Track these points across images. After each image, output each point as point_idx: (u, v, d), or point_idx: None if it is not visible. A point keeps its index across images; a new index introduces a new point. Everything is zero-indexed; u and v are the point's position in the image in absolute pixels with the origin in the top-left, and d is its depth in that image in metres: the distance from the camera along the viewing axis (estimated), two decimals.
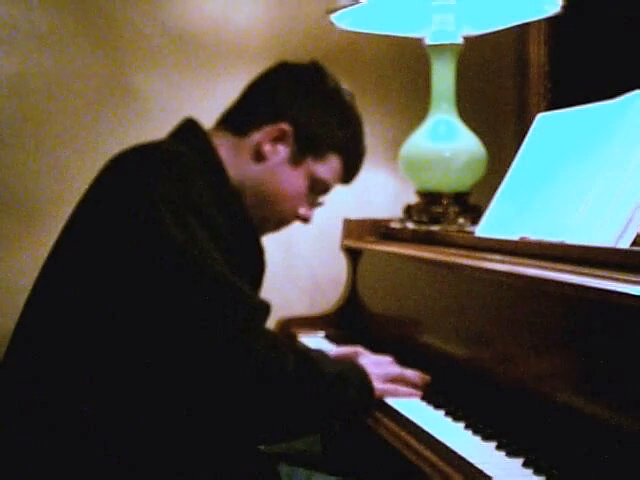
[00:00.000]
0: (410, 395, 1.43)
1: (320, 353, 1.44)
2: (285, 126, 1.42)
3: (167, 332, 1.17)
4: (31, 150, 2.17)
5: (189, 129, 1.42)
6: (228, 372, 1.17)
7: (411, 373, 1.47)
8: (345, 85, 1.54)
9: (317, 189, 1.49)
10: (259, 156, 1.42)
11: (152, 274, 1.18)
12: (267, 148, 1.42)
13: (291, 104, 1.44)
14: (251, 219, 1.41)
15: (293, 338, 1.98)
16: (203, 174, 1.30)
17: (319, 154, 1.46)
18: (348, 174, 1.53)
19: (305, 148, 1.44)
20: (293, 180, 1.45)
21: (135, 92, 2.26)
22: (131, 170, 1.27)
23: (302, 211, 1.49)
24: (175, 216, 1.19)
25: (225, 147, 1.41)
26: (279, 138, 1.42)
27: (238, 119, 1.46)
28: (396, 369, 1.47)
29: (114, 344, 1.19)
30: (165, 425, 1.20)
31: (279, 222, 1.51)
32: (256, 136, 1.42)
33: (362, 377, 1.37)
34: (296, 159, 1.44)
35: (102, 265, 1.21)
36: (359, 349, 1.58)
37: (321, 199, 1.54)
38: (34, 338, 1.25)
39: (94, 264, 1.21)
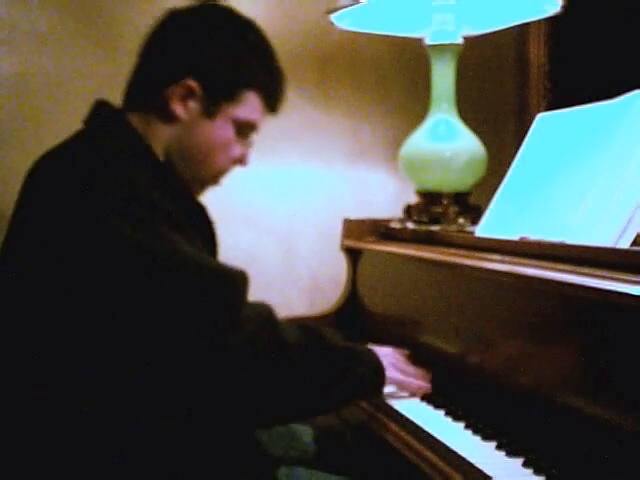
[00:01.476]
0: (416, 390, 1.44)
1: (332, 331, 1.43)
2: (189, 81, 1.35)
3: (150, 325, 1.15)
4: (31, 150, 2.16)
5: (105, 115, 1.38)
6: (216, 349, 1.15)
7: (420, 373, 1.50)
8: (238, 13, 1.45)
9: (244, 131, 1.43)
10: (172, 119, 1.36)
11: (118, 277, 1.14)
12: (178, 109, 1.36)
13: (188, 56, 1.37)
14: (188, 187, 1.38)
15: None
16: (132, 161, 1.26)
17: (232, 96, 1.39)
18: (271, 105, 1.45)
19: (216, 96, 1.38)
20: (215, 132, 1.39)
21: None
22: (64, 179, 1.22)
23: (237, 155, 1.44)
24: (120, 213, 1.15)
25: (141, 125, 1.36)
26: (187, 95, 1.36)
27: (141, 91, 1.40)
28: (411, 367, 1.50)
29: (88, 346, 1.16)
30: (162, 423, 1.19)
31: (216, 175, 1.45)
32: (162, 101, 1.36)
33: (374, 358, 1.37)
34: (210, 110, 1.38)
35: (59, 279, 1.17)
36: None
37: (252, 138, 1.48)
38: (9, 343, 1.23)
39: (50, 279, 1.17)
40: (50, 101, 2.18)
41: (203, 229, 1.38)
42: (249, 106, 1.41)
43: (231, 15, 1.44)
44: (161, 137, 1.37)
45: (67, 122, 2.20)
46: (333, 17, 1.99)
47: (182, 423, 1.19)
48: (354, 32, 2.13)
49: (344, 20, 2.01)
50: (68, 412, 1.17)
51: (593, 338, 1.14)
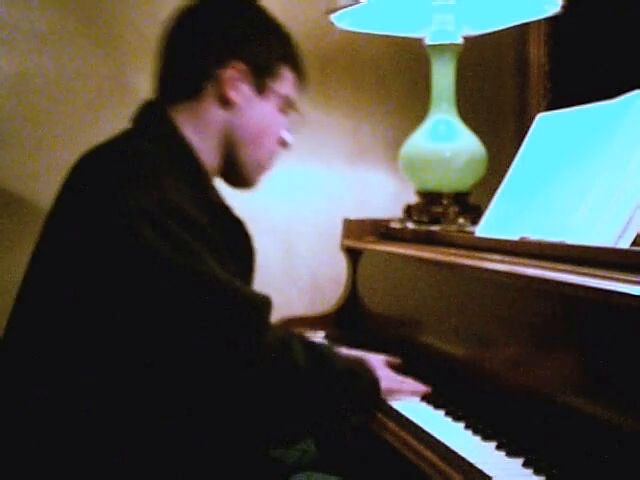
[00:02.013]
0: (415, 391, 1.44)
1: (330, 347, 1.44)
2: (237, 64, 1.36)
3: (172, 344, 1.16)
4: (31, 150, 2.17)
5: (151, 115, 1.37)
6: (239, 374, 1.17)
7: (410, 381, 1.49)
8: None
9: (287, 107, 1.45)
10: (227, 104, 1.37)
11: (145, 291, 1.15)
12: (232, 93, 1.36)
13: (229, 39, 1.38)
14: (231, 209, 1.37)
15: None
16: (176, 170, 1.26)
17: (274, 73, 1.41)
18: (301, 77, 1.48)
19: (261, 74, 1.40)
20: (267, 110, 1.41)
21: (135, 92, 2.25)
22: (105, 182, 1.22)
23: (285, 136, 1.46)
24: (155, 226, 1.15)
25: (189, 120, 1.36)
26: (237, 78, 1.37)
27: (185, 82, 1.39)
28: (399, 376, 1.50)
29: (113, 353, 1.17)
30: (171, 430, 1.19)
31: (271, 156, 1.46)
32: (214, 88, 1.37)
33: (370, 371, 1.38)
34: (260, 89, 1.40)
35: (90, 284, 1.17)
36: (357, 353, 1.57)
37: (292, 122, 1.49)
38: (25, 343, 1.24)
39: (80, 283, 1.18)
40: (50, 101, 2.18)
41: (239, 244, 1.37)
42: (287, 80, 1.44)
43: None
44: (214, 129, 1.37)
45: (67, 122, 2.22)
46: (333, 17, 1.99)
47: (187, 430, 1.20)
48: (354, 32, 2.13)
49: (344, 20, 2.01)
50: (76, 412, 1.18)
51: (593, 338, 1.14)
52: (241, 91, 1.38)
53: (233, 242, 1.33)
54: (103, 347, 1.17)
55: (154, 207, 1.17)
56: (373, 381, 1.38)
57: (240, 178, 1.44)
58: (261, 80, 1.40)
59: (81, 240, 1.19)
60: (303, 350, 1.25)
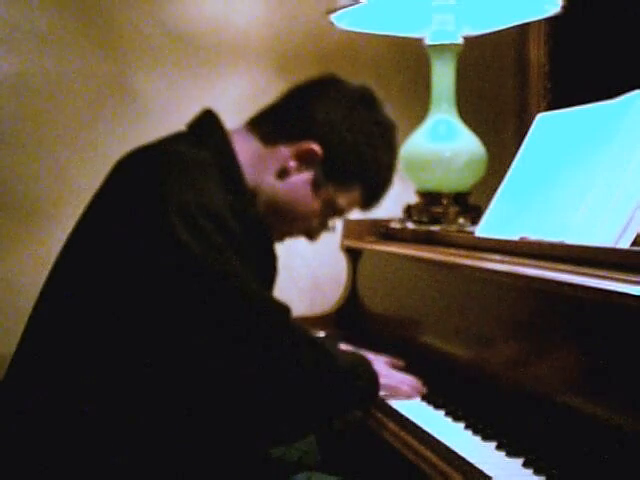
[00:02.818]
0: (411, 392, 1.45)
1: (332, 344, 1.45)
2: (316, 147, 1.35)
3: (192, 341, 1.16)
4: (31, 150, 2.17)
5: (208, 126, 1.37)
6: (248, 377, 1.17)
7: (410, 379, 1.50)
8: (389, 115, 1.45)
9: (331, 212, 1.44)
10: (282, 171, 1.36)
11: (172, 285, 1.15)
12: (292, 165, 1.36)
13: (327, 124, 1.37)
14: (266, 226, 1.37)
15: None
16: (219, 178, 1.26)
17: (343, 184, 1.40)
18: (367, 205, 1.47)
19: (330, 175, 1.38)
20: (310, 202, 1.39)
21: (135, 92, 2.26)
22: (146, 178, 1.23)
23: (312, 228, 1.46)
24: (190, 225, 1.16)
25: (248, 151, 1.36)
26: (307, 158, 1.36)
27: (269, 126, 1.39)
28: (398, 374, 1.50)
29: (134, 352, 1.17)
30: (174, 430, 1.19)
31: (285, 235, 1.47)
32: (283, 150, 1.36)
33: (369, 367, 1.38)
34: (318, 183, 1.38)
35: (119, 277, 1.18)
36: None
37: (332, 223, 1.49)
38: (47, 340, 1.24)
39: (110, 277, 1.19)
40: (50, 101, 2.18)
41: (264, 260, 1.37)
42: (350, 197, 1.42)
43: (381, 108, 1.44)
44: (260, 177, 1.36)
45: (67, 122, 2.22)
46: (333, 17, 1.99)
47: (189, 430, 1.20)
48: (354, 32, 2.13)
49: (344, 20, 2.01)
50: (92, 411, 1.18)
51: (593, 338, 1.14)
52: (301, 171, 1.37)
53: (258, 255, 1.33)
54: (122, 342, 1.17)
55: (191, 206, 1.18)
56: (372, 377, 1.38)
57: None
58: (326, 178, 1.38)
59: (117, 233, 1.20)
60: (309, 350, 1.25)
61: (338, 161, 1.37)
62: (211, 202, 1.21)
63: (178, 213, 1.16)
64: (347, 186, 1.40)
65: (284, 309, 1.25)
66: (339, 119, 1.38)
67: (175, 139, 1.36)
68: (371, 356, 1.48)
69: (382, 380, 1.41)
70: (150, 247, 1.16)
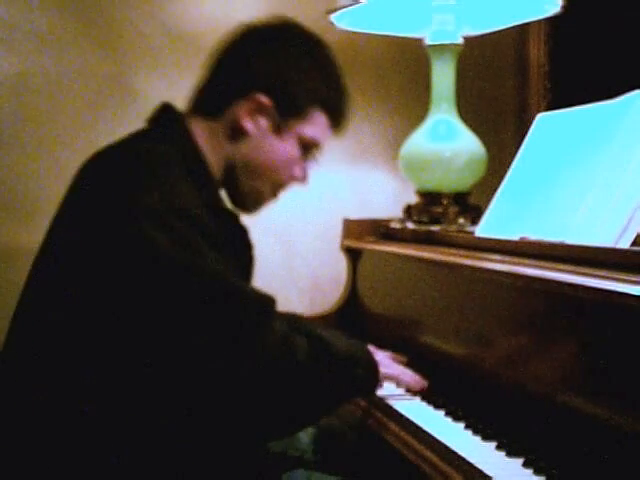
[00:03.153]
0: (413, 382, 1.46)
1: (331, 332, 1.43)
2: (261, 96, 1.34)
3: (175, 340, 1.15)
4: (31, 150, 2.17)
5: (167, 118, 1.37)
6: (240, 372, 1.16)
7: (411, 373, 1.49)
8: (310, 31, 1.46)
9: (309, 149, 1.42)
10: (241, 134, 1.36)
11: (147, 287, 1.15)
12: (247, 124, 1.35)
13: (263, 71, 1.36)
14: (237, 215, 1.38)
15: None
16: (185, 172, 1.26)
17: (302, 114, 1.38)
18: (337, 124, 1.45)
19: (287, 113, 1.37)
20: (282, 149, 1.38)
21: (135, 92, 2.26)
22: (113, 181, 1.22)
23: (297, 173, 1.44)
24: (160, 226, 1.15)
25: (203, 133, 1.35)
26: (257, 110, 1.35)
27: (209, 100, 1.39)
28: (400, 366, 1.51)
29: (115, 352, 1.17)
30: (172, 427, 1.19)
31: (276, 189, 1.45)
32: (232, 114, 1.36)
33: (369, 356, 1.37)
34: (280, 127, 1.37)
35: (92, 282, 1.17)
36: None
37: (313, 157, 1.46)
38: (28, 342, 1.24)
39: (83, 281, 1.18)
40: (50, 101, 2.18)
41: (241, 251, 1.37)
42: (317, 124, 1.41)
43: (302, 32, 1.45)
44: (224, 149, 1.36)
45: (67, 122, 2.22)
46: (333, 17, 1.99)
47: (188, 427, 1.20)
48: (354, 32, 2.13)
49: (344, 20, 2.01)
50: (73, 412, 1.18)
51: (593, 338, 1.14)
52: (258, 124, 1.36)
53: (234, 247, 1.33)
54: (105, 345, 1.17)
55: (158, 205, 1.17)
56: (371, 365, 1.37)
57: (236, 202, 1.43)
58: (283, 118, 1.37)
59: (86, 237, 1.19)
60: (304, 343, 1.24)
61: (287, 97, 1.37)
62: (180, 200, 1.20)
63: (147, 215, 1.15)
64: (307, 114, 1.39)
65: (267, 300, 1.24)
66: (270, 61, 1.37)
67: (139, 137, 1.35)
68: (374, 349, 1.48)
69: (382, 369, 1.40)
70: (123, 251, 1.15)
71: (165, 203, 1.18)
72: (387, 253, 1.91)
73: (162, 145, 1.29)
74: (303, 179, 1.46)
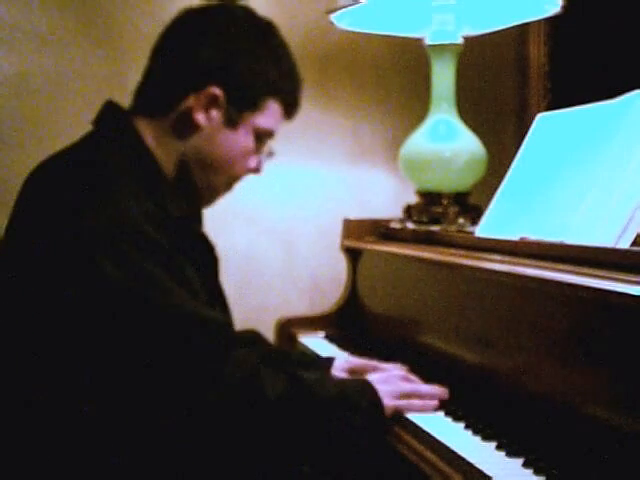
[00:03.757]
0: (424, 407, 1.34)
1: (321, 375, 1.39)
2: (213, 89, 1.30)
3: (134, 374, 1.14)
4: (31, 150, 2.17)
5: (113, 119, 1.33)
6: (200, 399, 1.15)
7: (426, 388, 1.40)
8: (256, 14, 1.39)
9: (262, 139, 1.40)
10: (192, 128, 1.32)
11: (102, 321, 1.13)
12: (200, 118, 1.31)
13: (213, 62, 1.31)
14: (192, 219, 1.35)
15: (293, 340, 1.98)
16: (135, 179, 1.23)
17: (255, 105, 1.35)
18: (289, 113, 1.42)
19: (240, 104, 1.33)
20: (236, 141, 1.35)
21: None
22: (57, 199, 1.19)
23: (252, 164, 1.41)
24: (110, 251, 1.12)
25: (152, 132, 1.32)
26: (210, 104, 1.31)
27: (157, 97, 1.34)
28: (407, 385, 1.39)
29: (73, 385, 1.15)
30: (156, 437, 1.18)
31: (231, 182, 1.42)
32: (182, 109, 1.31)
33: (370, 397, 1.30)
34: (233, 119, 1.33)
35: (40, 304, 1.15)
36: (371, 362, 1.53)
37: (268, 148, 1.43)
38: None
39: (31, 302, 1.16)
40: (50, 101, 2.18)
41: (201, 255, 1.34)
42: (270, 114, 1.38)
43: (251, 17, 1.39)
44: (175, 146, 1.33)
45: (67, 122, 2.22)
46: (333, 17, 1.99)
47: (173, 442, 1.19)
48: (354, 32, 2.13)
49: (344, 20, 2.01)
50: (69, 414, 1.17)
51: (593, 338, 1.14)
52: (210, 117, 1.32)
53: (193, 253, 1.30)
54: (61, 376, 1.15)
55: (109, 229, 1.14)
56: (373, 405, 1.30)
57: (191, 198, 1.38)
58: (237, 110, 1.34)
59: (36, 263, 1.16)
60: (281, 381, 1.21)
61: (240, 89, 1.33)
62: (129, 218, 1.16)
63: (96, 241, 1.13)
64: (261, 105, 1.36)
65: (220, 323, 1.21)
66: (220, 51, 1.33)
67: (85, 144, 1.32)
68: (376, 375, 1.42)
69: (389, 403, 1.32)
70: (72, 280, 1.13)
71: (113, 224, 1.14)
72: (387, 253, 1.91)
73: (109, 153, 1.26)
74: (257, 170, 1.44)
